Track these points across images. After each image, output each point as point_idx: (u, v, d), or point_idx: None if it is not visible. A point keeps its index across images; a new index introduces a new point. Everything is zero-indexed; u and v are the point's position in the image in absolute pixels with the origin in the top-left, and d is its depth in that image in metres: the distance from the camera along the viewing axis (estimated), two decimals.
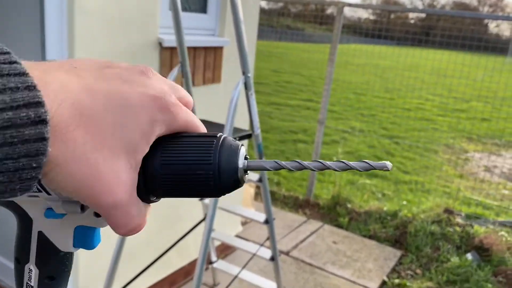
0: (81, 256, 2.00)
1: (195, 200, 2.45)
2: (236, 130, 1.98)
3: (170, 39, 2.11)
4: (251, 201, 3.62)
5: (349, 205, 3.90)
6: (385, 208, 3.78)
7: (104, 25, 1.83)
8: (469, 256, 3.07)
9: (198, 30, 2.47)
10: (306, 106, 9.52)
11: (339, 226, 3.66)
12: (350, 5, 3.63)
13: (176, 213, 2.54)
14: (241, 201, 3.31)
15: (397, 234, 3.48)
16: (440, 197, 4.22)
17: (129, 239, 2.19)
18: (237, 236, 3.30)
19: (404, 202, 4.12)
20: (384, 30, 4.49)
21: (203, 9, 2.47)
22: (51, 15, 1.68)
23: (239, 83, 1.83)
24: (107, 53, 1.88)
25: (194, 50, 2.35)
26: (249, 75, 1.85)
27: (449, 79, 5.76)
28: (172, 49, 2.19)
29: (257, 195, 4.12)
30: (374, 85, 12.73)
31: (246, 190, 3.48)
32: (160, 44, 2.12)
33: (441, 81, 6.56)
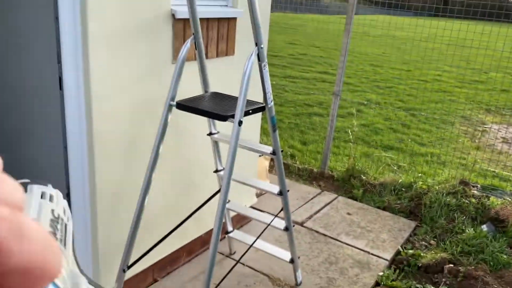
0: (100, 225, 2.06)
1: (211, 170, 2.48)
2: (249, 102, 1.99)
3: (182, 11, 2.10)
4: (266, 174, 3.65)
5: (363, 177, 3.91)
6: (400, 180, 3.78)
7: None
8: (484, 227, 3.07)
9: (211, 1, 2.45)
10: (321, 78, 9.42)
11: (354, 198, 3.68)
12: None
13: (192, 182, 2.58)
14: (255, 174, 3.34)
15: (412, 206, 3.49)
16: (456, 169, 4.18)
17: (147, 208, 2.25)
18: (252, 207, 3.36)
19: (420, 175, 4.10)
20: (401, 0, 4.36)
21: None
22: None
23: (252, 54, 1.82)
24: (119, 27, 1.88)
25: (207, 21, 2.34)
26: (262, 46, 1.84)
27: (468, 50, 5.60)
28: (185, 20, 2.18)
29: (271, 168, 4.16)
30: (391, 57, 12.49)
31: (261, 163, 3.51)
32: (173, 15, 2.12)
33: (459, 52, 6.40)
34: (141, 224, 2.14)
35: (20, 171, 2.61)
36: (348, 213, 3.41)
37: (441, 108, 7.52)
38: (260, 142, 4.39)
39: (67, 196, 2.01)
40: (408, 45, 12.36)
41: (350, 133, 4.96)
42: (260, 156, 3.39)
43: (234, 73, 2.65)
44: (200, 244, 2.77)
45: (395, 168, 4.27)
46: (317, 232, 3.11)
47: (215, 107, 1.95)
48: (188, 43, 1.95)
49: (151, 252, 2.22)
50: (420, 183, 3.74)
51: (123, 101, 2.01)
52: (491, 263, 2.74)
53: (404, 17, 6.19)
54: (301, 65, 10.77)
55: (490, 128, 6.58)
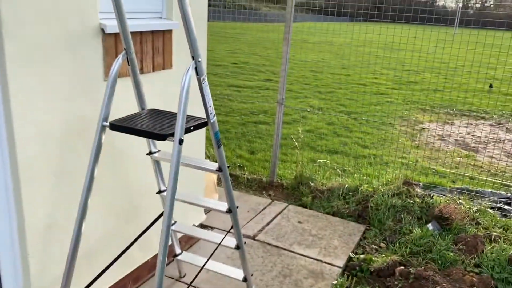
0: (31, 260, 1.87)
1: (154, 191, 2.35)
2: (190, 118, 1.89)
3: (113, 25, 1.97)
4: (214, 188, 3.55)
5: (312, 184, 3.91)
6: (346, 185, 3.82)
7: (34, 12, 1.67)
8: (430, 226, 3.15)
9: (143, 14, 2.34)
10: (265, 86, 9.46)
11: (303, 205, 3.67)
12: None
13: (134, 205, 2.43)
14: (203, 189, 3.23)
15: (360, 209, 3.53)
16: (399, 169, 4.30)
17: (85, 236, 2.08)
18: (202, 224, 3.24)
19: (365, 178, 4.17)
20: (336, 7, 4.45)
21: None
22: None
23: (189, 68, 1.73)
24: (41, 43, 1.72)
25: (140, 34, 2.22)
26: (199, 60, 1.76)
27: (402, 53, 5.84)
28: (116, 35, 2.05)
29: (220, 181, 4.06)
30: (330, 62, 12.85)
31: (208, 176, 3.40)
32: (102, 30, 1.98)
33: (394, 55, 6.66)
34: (79, 254, 1.97)
35: None
36: (299, 222, 3.38)
37: (380, 110, 7.78)
38: (208, 155, 4.28)
39: None
40: (345, 51, 12.76)
41: (296, 141, 4.97)
42: None
43: (173, 88, 2.54)
44: (148, 269, 2.62)
45: (341, 172, 4.32)
46: (269, 244, 3.05)
47: (153, 125, 1.83)
48: (120, 59, 1.82)
49: (93, 285, 2.04)
50: (366, 185, 3.80)
51: (51, 124, 1.84)
52: (439, 262, 2.81)
53: (340, 23, 6.35)
54: (244, 73, 10.78)
55: (427, 127, 6.89)
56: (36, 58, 1.71)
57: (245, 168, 4.51)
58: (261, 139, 5.90)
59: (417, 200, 3.46)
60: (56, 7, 1.75)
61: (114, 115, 1.95)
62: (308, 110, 7.42)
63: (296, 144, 4.81)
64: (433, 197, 3.49)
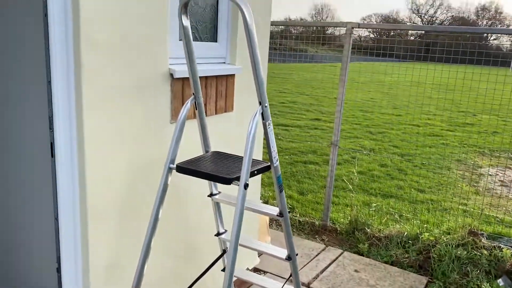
0: None
1: (211, 233, 2.33)
2: (253, 162, 1.88)
3: (181, 70, 2.04)
4: (267, 229, 3.49)
5: (368, 230, 3.76)
6: (405, 232, 3.63)
7: (111, 57, 1.75)
8: (500, 282, 2.91)
9: (208, 59, 2.40)
10: (313, 125, 9.43)
11: (360, 253, 3.52)
12: (359, 25, 3.56)
13: (191, 246, 2.42)
14: (256, 231, 3.18)
15: (421, 259, 3.33)
16: (458, 216, 4.06)
17: (144, 278, 2.07)
18: (255, 268, 3.17)
19: (425, 225, 3.97)
20: (382, 49, 4.41)
21: (213, 37, 2.41)
22: (56, 49, 1.61)
23: (256, 113, 1.74)
24: (115, 88, 1.80)
25: (205, 79, 2.27)
26: (266, 105, 1.76)
27: (454, 94, 5.66)
28: (183, 79, 2.12)
29: (272, 221, 4.00)
30: (381, 102, 12.66)
31: (261, 218, 3.36)
32: (171, 75, 2.05)
33: (446, 96, 6.47)
34: None
35: (8, 242, 2.43)
36: (356, 270, 3.23)
37: (435, 153, 7.50)
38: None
39: (58, 271, 1.84)
40: (396, 91, 12.58)
41: (349, 183, 4.85)
42: None
43: (234, 129, 2.56)
44: None
45: (397, 217, 4.13)
46: None
47: (217, 168, 1.83)
48: (188, 103, 1.86)
49: None
50: (427, 234, 3.60)
51: (119, 165, 1.88)
52: None
53: (386, 63, 6.29)
54: (292, 112, 10.83)
55: (487, 171, 6.54)
56: (109, 102, 1.78)
57: (296, 210, 4.42)
58: (311, 179, 5.81)
59: (485, 252, 3.22)
60: (132, 53, 1.83)
61: (178, 156, 1.98)
62: (365, 152, 7.27)
63: (351, 187, 4.69)
64: (504, 250, 3.24)
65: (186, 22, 1.73)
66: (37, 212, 2.19)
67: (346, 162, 6.66)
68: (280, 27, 6.83)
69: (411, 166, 6.66)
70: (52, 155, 1.70)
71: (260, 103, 1.76)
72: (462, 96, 5.45)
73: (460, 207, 4.66)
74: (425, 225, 3.94)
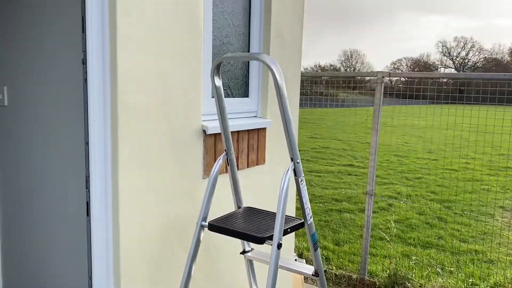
0: None
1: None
2: (286, 219, 1.85)
3: (213, 126, 2.07)
4: (302, 284, 3.37)
5: (408, 284, 3.57)
6: (449, 287, 3.42)
7: (147, 118, 1.81)
8: None
9: (240, 113, 2.44)
10: (347, 171, 9.29)
11: None
12: (390, 74, 3.56)
13: None
14: (292, 284, 3.08)
15: None
16: (506, 269, 3.80)
17: None
18: None
19: (470, 280, 3.73)
20: (414, 91, 4.35)
21: (245, 93, 2.45)
22: (95, 112, 1.67)
23: (288, 170, 1.72)
24: (149, 144, 1.84)
25: (237, 133, 2.30)
26: (298, 161, 1.75)
27: (491, 136, 5.47)
28: (216, 135, 2.15)
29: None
30: (416, 146, 12.40)
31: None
32: (204, 131, 2.08)
33: (483, 138, 6.27)
34: None
35: None
36: None
37: (476, 199, 7.18)
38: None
39: None
40: (430, 134, 12.32)
41: (386, 233, 4.68)
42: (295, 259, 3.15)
43: (266, 183, 2.55)
44: None
45: (439, 270, 3.91)
46: None
47: (250, 226, 1.81)
48: (221, 160, 1.88)
49: None
50: None
51: (153, 222, 1.89)
52: None
53: (420, 106, 6.20)
54: (325, 158, 10.75)
55: None
56: (144, 160, 1.82)
57: (332, 262, 4.27)
58: (346, 228, 5.64)
59: None
60: (167, 114, 1.88)
61: (210, 209, 1.97)
62: (402, 202, 7.06)
63: (387, 238, 4.51)
64: None
65: (219, 82, 1.78)
66: (72, 269, 2.21)
67: (382, 210, 6.46)
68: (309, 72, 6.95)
69: (451, 214, 6.38)
70: (88, 214, 1.72)
71: (292, 159, 1.75)
72: (497, 137, 5.26)
73: (507, 258, 4.37)
74: (470, 279, 3.71)
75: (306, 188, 1.83)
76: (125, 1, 1.62)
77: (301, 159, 1.77)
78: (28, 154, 2.28)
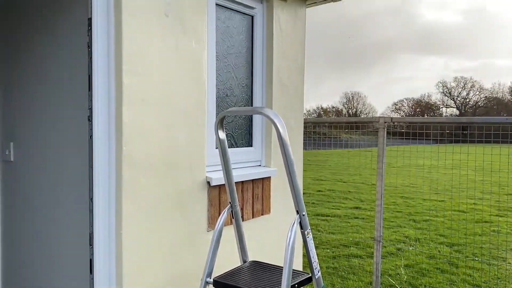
0: None
1: None
2: (293, 273, 1.80)
3: (218, 177, 2.06)
4: None
5: None
6: None
7: (151, 172, 1.81)
8: None
9: (245, 163, 2.44)
10: (354, 215, 9.16)
11: None
12: (392, 119, 3.59)
13: None
14: None
15: None
16: None
17: None
18: None
19: None
20: (418, 129, 4.36)
21: (249, 143, 2.47)
22: (100, 166, 1.68)
23: (294, 223, 1.70)
24: (153, 198, 1.83)
25: (242, 183, 2.29)
26: (304, 213, 1.73)
27: (498, 174, 5.41)
28: (220, 186, 2.14)
29: None
30: (422, 187, 12.28)
31: None
32: (208, 183, 2.07)
33: (489, 177, 6.21)
34: None
35: None
36: None
37: (487, 241, 7.01)
38: None
39: None
40: (435, 174, 12.24)
41: (396, 279, 4.54)
42: None
43: (271, 233, 2.51)
44: None
45: None
46: None
47: (256, 283, 1.76)
48: (225, 212, 1.86)
49: None
50: None
51: (156, 279, 1.85)
52: None
53: (424, 146, 6.19)
54: (330, 201, 10.62)
55: None
56: (148, 213, 1.80)
57: None
58: (355, 275, 5.49)
59: None
60: (171, 167, 1.88)
61: (215, 264, 1.93)
62: (411, 248, 6.91)
63: (398, 286, 4.38)
64: None
65: (222, 135, 1.79)
66: None
67: (391, 254, 6.31)
68: (313, 115, 7.00)
69: (462, 258, 6.21)
70: (91, 271, 1.69)
71: (297, 212, 1.73)
72: (504, 175, 5.18)
73: None
74: None
75: (313, 242, 1.79)
76: (130, 60, 1.67)
77: (306, 202, 1.75)
78: (32, 211, 2.27)
